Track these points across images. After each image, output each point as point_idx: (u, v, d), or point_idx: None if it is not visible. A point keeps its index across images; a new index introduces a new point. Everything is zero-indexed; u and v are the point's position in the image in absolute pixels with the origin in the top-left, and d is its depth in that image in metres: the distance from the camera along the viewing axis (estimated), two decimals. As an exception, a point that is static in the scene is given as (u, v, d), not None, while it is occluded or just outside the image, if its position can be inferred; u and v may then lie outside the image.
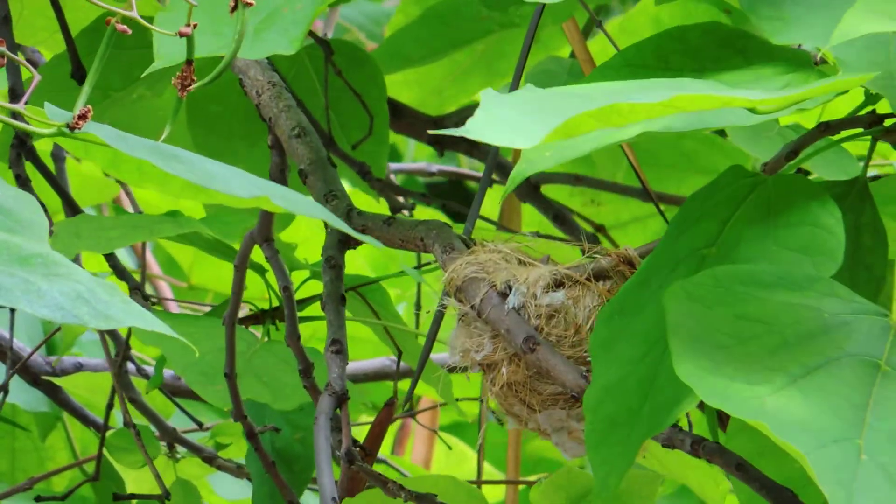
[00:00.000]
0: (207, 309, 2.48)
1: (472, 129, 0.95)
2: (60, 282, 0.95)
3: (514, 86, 1.62)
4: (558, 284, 1.25)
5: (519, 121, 0.94)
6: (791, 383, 0.97)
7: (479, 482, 2.00)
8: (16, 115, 1.08)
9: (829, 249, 1.07)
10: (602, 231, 2.07)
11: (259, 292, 1.67)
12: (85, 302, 0.95)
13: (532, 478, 2.41)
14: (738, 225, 1.11)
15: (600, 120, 0.92)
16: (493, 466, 2.58)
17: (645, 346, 1.09)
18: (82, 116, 1.07)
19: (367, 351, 2.26)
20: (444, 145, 1.98)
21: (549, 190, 2.00)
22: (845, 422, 0.95)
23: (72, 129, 1.07)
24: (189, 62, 1.09)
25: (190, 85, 1.10)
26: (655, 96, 0.94)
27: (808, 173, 1.48)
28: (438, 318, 1.39)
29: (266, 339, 1.59)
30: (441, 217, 2.17)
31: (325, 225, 1.38)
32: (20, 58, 1.72)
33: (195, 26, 1.10)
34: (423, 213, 2.21)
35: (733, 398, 0.96)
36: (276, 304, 1.61)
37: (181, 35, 1.09)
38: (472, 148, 1.99)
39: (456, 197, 3.16)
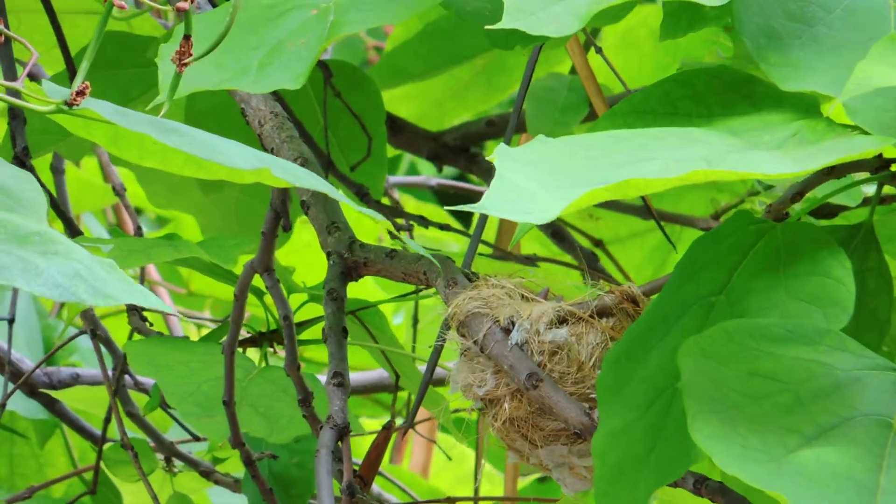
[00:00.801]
0: (206, 316, 2.48)
1: (489, 206, 0.96)
2: (58, 260, 0.95)
3: (517, 109, 1.62)
4: (561, 321, 1.25)
5: (534, 194, 0.93)
6: (805, 444, 0.97)
7: (476, 499, 2.00)
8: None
9: (839, 300, 1.07)
10: (600, 246, 2.07)
11: (259, 310, 1.66)
12: (83, 280, 0.94)
13: (530, 477, 2.40)
14: (747, 273, 1.10)
15: (615, 193, 0.92)
16: (492, 467, 2.58)
17: (653, 393, 1.09)
18: (80, 93, 1.07)
19: (368, 359, 2.25)
20: (443, 161, 1.98)
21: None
22: (860, 486, 0.95)
23: (70, 105, 1.06)
24: (187, 37, 1.08)
25: (188, 60, 1.09)
26: (669, 164, 0.93)
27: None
28: (438, 350, 1.39)
29: (263, 363, 1.58)
30: (440, 236, 2.16)
31: (328, 256, 1.37)
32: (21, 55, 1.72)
33: (192, 1, 1.09)
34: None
35: (748, 465, 0.95)
36: (273, 326, 1.60)
37: (178, 11, 1.08)
38: (472, 164, 1.99)
39: (462, 200, 3.14)
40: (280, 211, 1.43)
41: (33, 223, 0.98)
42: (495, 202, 0.96)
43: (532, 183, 0.95)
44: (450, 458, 2.13)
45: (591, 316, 1.24)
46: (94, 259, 0.96)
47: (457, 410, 1.72)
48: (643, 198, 1.80)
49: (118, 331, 2.20)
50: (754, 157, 1.03)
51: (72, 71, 1.67)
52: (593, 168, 0.96)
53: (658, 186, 0.95)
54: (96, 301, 0.94)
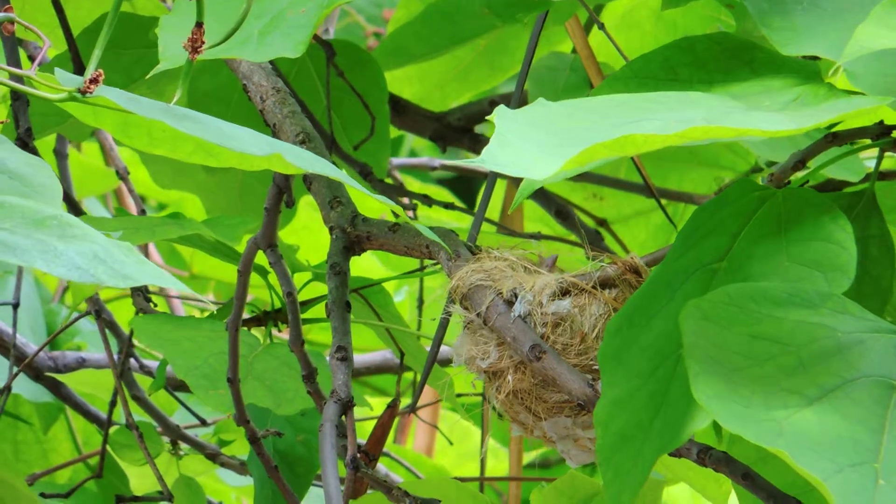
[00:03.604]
0: (209, 298, 2.48)
1: (488, 160, 0.96)
2: (76, 242, 0.96)
3: (520, 85, 1.62)
4: (564, 293, 1.25)
5: (533, 151, 0.93)
6: (807, 405, 0.97)
7: (481, 479, 2.00)
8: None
9: (841, 265, 1.07)
10: (604, 225, 2.07)
11: (261, 293, 1.67)
12: (101, 262, 0.95)
13: (535, 452, 2.41)
14: (749, 239, 1.10)
15: (614, 149, 0.92)
16: (497, 442, 2.58)
17: (656, 360, 1.09)
18: (94, 80, 1.06)
19: (371, 339, 2.25)
20: (446, 141, 1.98)
21: (550, 184, 1.99)
22: (862, 446, 0.95)
23: (83, 93, 1.06)
24: (199, 24, 1.08)
25: (200, 47, 1.09)
26: (669, 123, 0.93)
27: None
28: (443, 325, 1.39)
29: (268, 341, 1.58)
30: (444, 215, 2.17)
31: (330, 230, 1.37)
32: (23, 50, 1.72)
33: (202, -11, 1.09)
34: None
35: (751, 423, 0.96)
36: (278, 305, 1.61)
37: (191, -2, 1.08)
38: (475, 144, 1.99)
39: (464, 185, 3.15)
40: (283, 187, 1.43)
41: (49, 208, 0.98)
42: (494, 157, 0.96)
43: (531, 141, 0.95)
44: (451, 443, 2.14)
45: (593, 287, 1.24)
46: (112, 242, 0.97)
47: (461, 395, 1.73)
48: (644, 176, 1.80)
49: (122, 314, 2.20)
50: (753, 115, 1.03)
51: (74, 52, 1.67)
52: (592, 128, 0.96)
53: (657, 143, 0.95)
54: (116, 282, 0.95)
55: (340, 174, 1.11)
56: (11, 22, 1.09)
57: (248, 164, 1.10)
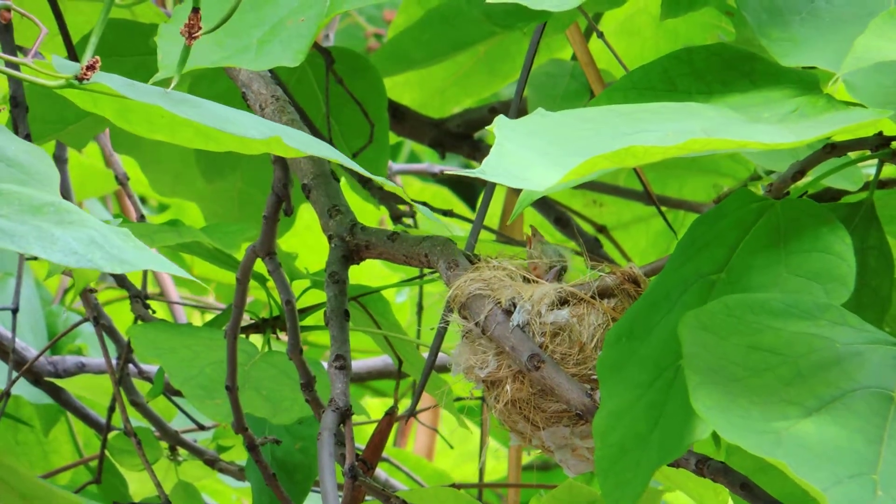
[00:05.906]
0: (210, 300, 2.48)
1: (488, 171, 0.96)
2: (73, 228, 0.95)
3: (519, 92, 1.62)
4: (563, 302, 1.25)
5: (533, 161, 0.94)
6: (806, 416, 0.97)
7: (480, 485, 2.00)
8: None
9: (840, 276, 1.07)
10: (604, 232, 2.07)
11: (260, 293, 1.67)
12: (98, 247, 0.95)
13: (534, 454, 2.40)
14: (748, 250, 1.10)
15: (615, 161, 0.92)
16: (497, 442, 2.57)
17: (654, 372, 1.09)
18: (91, 67, 1.06)
19: (372, 342, 2.25)
20: (445, 148, 1.98)
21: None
22: (861, 457, 0.95)
23: (80, 80, 1.06)
24: (195, 10, 1.08)
25: (197, 33, 1.09)
26: (668, 135, 0.93)
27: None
28: (441, 334, 1.39)
29: (266, 348, 1.58)
30: (444, 219, 2.16)
31: (329, 239, 1.38)
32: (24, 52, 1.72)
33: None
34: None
35: (750, 434, 0.96)
36: (276, 312, 1.61)
37: (186, -13, 1.08)
38: (475, 151, 1.99)
39: (464, 184, 3.15)
40: (282, 195, 1.43)
41: (47, 195, 0.98)
42: (494, 168, 0.96)
43: (531, 152, 0.95)
44: (451, 447, 2.15)
45: (592, 297, 1.24)
46: (109, 228, 0.97)
47: (459, 399, 1.73)
48: (644, 183, 1.80)
49: (121, 317, 2.20)
50: (752, 127, 1.03)
51: (73, 58, 1.67)
52: (592, 138, 0.97)
53: (657, 155, 0.95)
54: (112, 267, 0.94)
55: (339, 156, 1.10)
56: (8, 10, 1.09)
57: (248, 147, 1.10)
